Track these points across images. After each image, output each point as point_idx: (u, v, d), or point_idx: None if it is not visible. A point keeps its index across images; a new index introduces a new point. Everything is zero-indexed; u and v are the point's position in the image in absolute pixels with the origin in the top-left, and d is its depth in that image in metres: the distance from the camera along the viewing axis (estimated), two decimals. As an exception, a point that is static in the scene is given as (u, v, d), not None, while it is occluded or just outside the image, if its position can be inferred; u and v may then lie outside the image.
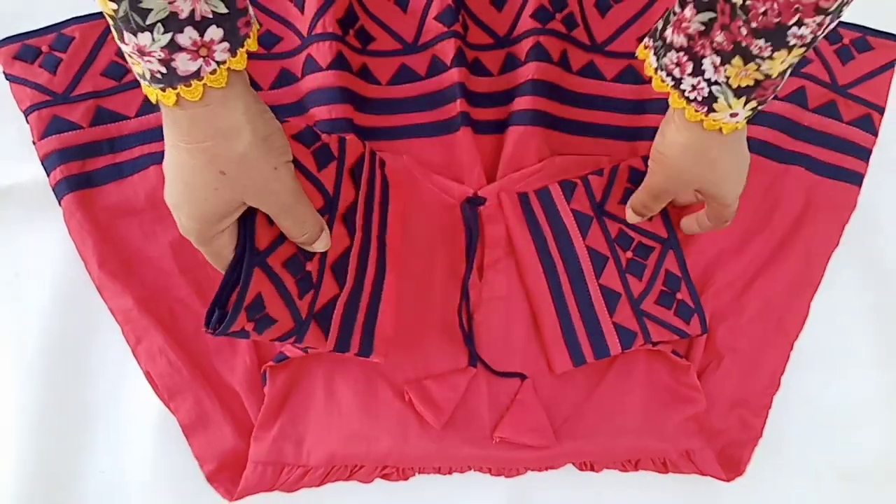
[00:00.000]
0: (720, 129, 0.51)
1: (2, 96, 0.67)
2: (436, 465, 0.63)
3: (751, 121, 0.69)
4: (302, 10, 0.67)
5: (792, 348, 0.69)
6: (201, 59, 0.41)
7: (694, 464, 0.64)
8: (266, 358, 0.64)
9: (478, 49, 0.69)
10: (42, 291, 0.66)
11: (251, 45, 0.43)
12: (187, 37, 0.40)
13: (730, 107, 0.49)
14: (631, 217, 0.64)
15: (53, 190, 0.66)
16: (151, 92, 0.43)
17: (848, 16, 0.71)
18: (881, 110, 0.72)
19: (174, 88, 0.42)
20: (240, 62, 0.43)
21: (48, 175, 0.66)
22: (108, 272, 0.64)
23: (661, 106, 0.66)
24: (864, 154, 0.71)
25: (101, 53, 0.67)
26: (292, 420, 0.63)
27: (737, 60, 0.46)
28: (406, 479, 0.64)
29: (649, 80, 0.52)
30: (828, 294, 0.70)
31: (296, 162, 0.52)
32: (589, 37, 0.69)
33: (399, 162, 0.65)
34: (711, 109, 0.50)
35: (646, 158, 0.62)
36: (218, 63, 0.42)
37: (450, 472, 0.64)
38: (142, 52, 0.40)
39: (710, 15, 0.47)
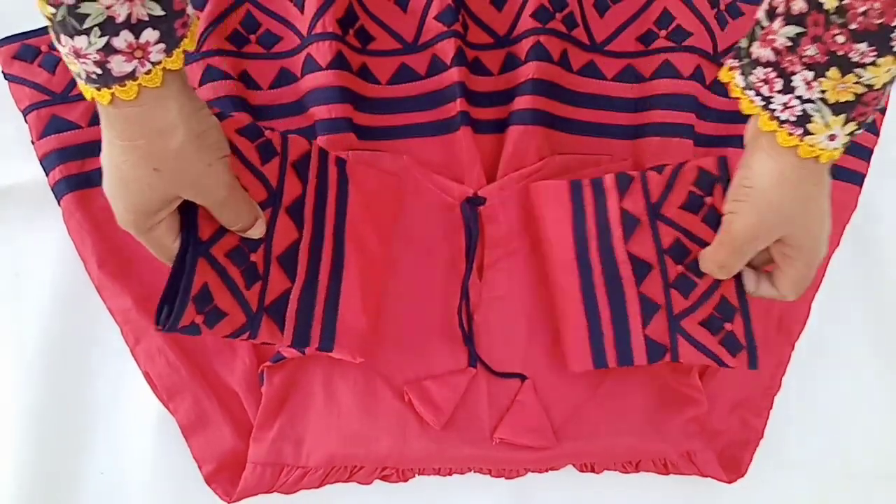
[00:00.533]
0: (817, 158, 0.47)
1: (1, 96, 0.67)
2: (436, 465, 0.63)
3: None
4: (302, 9, 0.67)
5: (792, 348, 0.69)
6: (136, 60, 0.42)
7: (695, 465, 0.64)
8: (265, 358, 0.64)
9: (478, 48, 0.68)
10: (42, 291, 0.66)
11: (188, 44, 0.44)
12: (123, 40, 0.41)
13: (827, 126, 0.45)
14: (719, 275, 0.56)
15: (52, 190, 0.66)
16: (87, 90, 0.44)
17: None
18: (882, 110, 0.71)
19: (109, 88, 0.42)
20: (175, 62, 0.43)
21: (47, 175, 0.66)
22: (108, 272, 0.64)
23: (662, 102, 0.67)
24: (866, 154, 0.71)
25: None
26: (291, 421, 0.63)
27: (833, 72, 0.43)
28: (406, 480, 0.64)
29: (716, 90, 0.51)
30: (828, 294, 0.70)
31: (240, 155, 0.54)
32: (588, 37, 0.69)
33: (399, 162, 0.65)
34: (807, 132, 0.46)
35: (722, 159, 0.58)
36: (153, 64, 0.42)
37: (450, 474, 0.64)
38: (77, 54, 0.41)
39: (798, 29, 0.44)
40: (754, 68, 0.47)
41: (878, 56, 0.42)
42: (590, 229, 0.60)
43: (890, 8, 0.40)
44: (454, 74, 0.65)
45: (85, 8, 0.39)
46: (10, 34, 0.67)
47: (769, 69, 0.46)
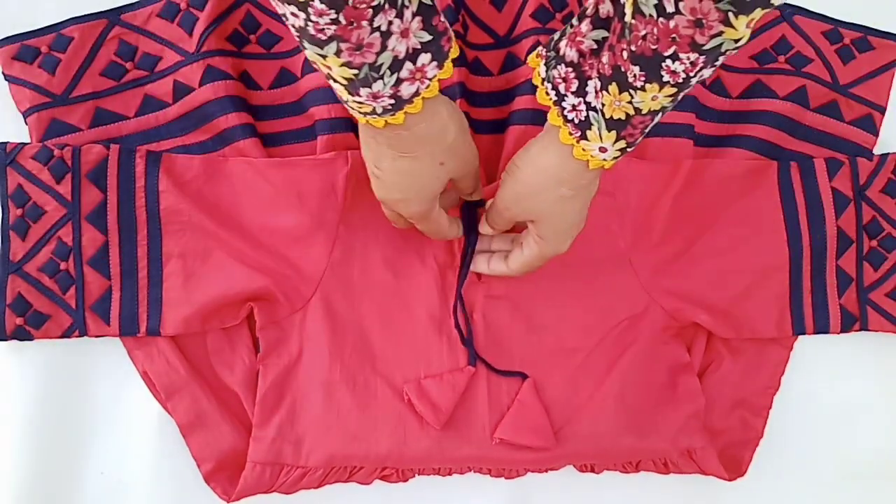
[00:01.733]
0: (587, 162, 0.50)
1: (1, 96, 0.67)
2: (435, 465, 0.63)
3: (752, 120, 0.70)
4: None
5: (792, 348, 0.69)
6: (417, 81, 0.46)
7: (696, 463, 0.64)
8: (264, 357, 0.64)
9: (478, 49, 0.68)
10: (42, 291, 0.66)
11: (454, 52, 0.48)
12: (406, 70, 0.45)
13: (600, 138, 0.48)
14: (484, 229, 0.61)
15: None
16: (378, 121, 0.48)
17: (849, 15, 0.72)
18: (882, 110, 0.71)
19: (402, 110, 0.47)
20: (447, 72, 0.48)
21: None
22: None
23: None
24: (866, 154, 0.71)
25: (101, 53, 0.67)
26: (290, 420, 0.63)
27: (613, 87, 0.45)
28: (405, 480, 0.64)
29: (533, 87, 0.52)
30: (828, 294, 0.70)
31: (34, 179, 0.63)
32: None
33: None
34: (584, 136, 0.49)
35: None
36: (430, 79, 0.47)
37: (449, 474, 0.64)
38: (375, 97, 0.46)
39: (604, 34, 0.46)
40: (558, 64, 0.49)
41: (647, 82, 0.43)
42: (799, 204, 0.67)
43: (665, 37, 0.40)
44: (454, 75, 0.65)
45: (381, 59, 0.43)
46: (9, 34, 0.67)
47: (570, 69, 0.49)
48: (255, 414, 0.63)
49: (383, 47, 0.43)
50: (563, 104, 0.49)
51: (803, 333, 0.67)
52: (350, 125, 0.65)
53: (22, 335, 0.63)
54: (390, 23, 0.42)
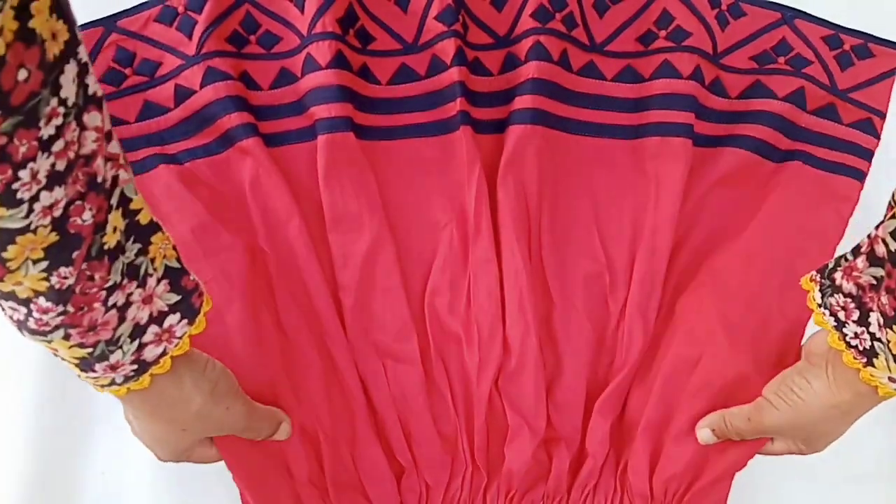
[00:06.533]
0: (876, 388, 0.48)
1: None
2: None
3: (751, 120, 0.69)
4: (302, 10, 0.67)
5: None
6: (164, 342, 0.44)
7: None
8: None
9: (478, 49, 0.68)
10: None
11: (206, 305, 0.47)
12: (151, 334, 0.43)
13: (889, 370, 0.46)
14: (702, 438, 0.59)
15: None
16: (119, 391, 0.45)
17: (851, 21, 0.72)
18: (882, 115, 0.71)
19: (147, 373, 0.45)
20: (199, 327, 0.46)
21: None
22: None
23: (661, 101, 0.66)
24: (866, 154, 0.70)
25: (98, 61, 0.66)
26: None
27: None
28: None
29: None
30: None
31: None
32: (588, 37, 0.69)
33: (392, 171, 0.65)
34: (871, 363, 0.47)
35: None
36: (179, 338, 0.45)
37: None
38: (114, 368, 0.43)
39: (881, 272, 0.45)
40: (835, 293, 0.48)
41: None
42: None
43: None
44: (454, 74, 0.65)
45: (119, 331, 0.41)
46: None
47: (849, 300, 0.47)
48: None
49: (121, 320, 0.41)
50: (845, 331, 0.48)
51: None
52: (350, 125, 0.65)
53: None
54: (129, 294, 0.40)
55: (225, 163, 0.65)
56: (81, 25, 0.65)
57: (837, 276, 0.48)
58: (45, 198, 0.32)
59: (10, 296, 0.36)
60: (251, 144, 0.65)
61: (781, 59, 0.71)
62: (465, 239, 0.65)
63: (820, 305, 0.50)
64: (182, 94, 0.66)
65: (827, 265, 0.50)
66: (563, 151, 0.67)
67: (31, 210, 0.32)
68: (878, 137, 0.71)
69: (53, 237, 0.34)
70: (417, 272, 0.65)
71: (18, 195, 0.31)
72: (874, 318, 0.46)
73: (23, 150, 0.30)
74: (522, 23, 0.68)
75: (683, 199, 0.67)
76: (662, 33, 0.69)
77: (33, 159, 0.31)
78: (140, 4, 0.67)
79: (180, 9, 0.66)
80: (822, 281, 0.50)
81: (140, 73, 0.66)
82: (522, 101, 0.66)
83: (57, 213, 0.33)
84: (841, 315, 0.48)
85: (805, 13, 0.72)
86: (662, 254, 0.65)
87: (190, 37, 0.66)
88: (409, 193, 0.66)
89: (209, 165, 0.65)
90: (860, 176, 0.70)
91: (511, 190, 0.65)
